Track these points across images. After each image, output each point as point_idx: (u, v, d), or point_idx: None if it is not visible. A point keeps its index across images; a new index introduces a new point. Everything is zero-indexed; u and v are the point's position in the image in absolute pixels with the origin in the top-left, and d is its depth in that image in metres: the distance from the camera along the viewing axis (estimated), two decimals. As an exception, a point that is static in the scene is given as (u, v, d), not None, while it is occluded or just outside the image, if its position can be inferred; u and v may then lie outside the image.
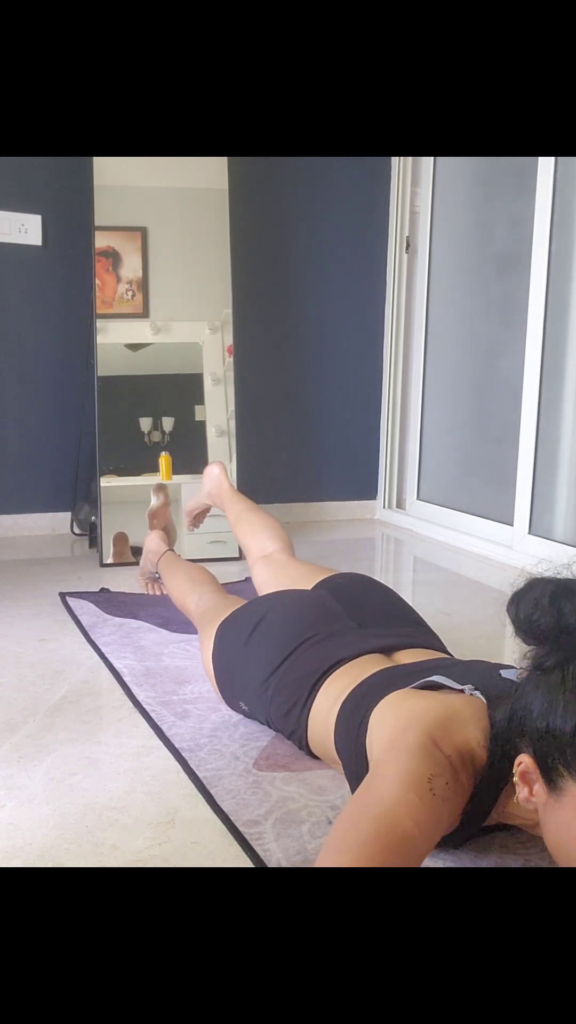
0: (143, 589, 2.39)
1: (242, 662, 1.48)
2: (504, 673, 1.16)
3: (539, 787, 0.91)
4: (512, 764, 0.96)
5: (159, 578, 2.25)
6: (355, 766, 1.14)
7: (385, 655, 1.34)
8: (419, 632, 1.49)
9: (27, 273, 3.06)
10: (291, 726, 1.35)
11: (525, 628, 0.91)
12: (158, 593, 2.34)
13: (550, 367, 2.77)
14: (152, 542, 2.30)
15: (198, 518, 2.42)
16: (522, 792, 0.93)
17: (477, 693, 1.07)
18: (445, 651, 1.44)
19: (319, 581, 1.66)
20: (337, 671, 1.29)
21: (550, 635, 0.90)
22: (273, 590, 1.70)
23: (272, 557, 1.89)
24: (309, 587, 1.64)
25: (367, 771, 1.10)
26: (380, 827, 0.86)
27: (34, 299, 3.08)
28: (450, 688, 1.10)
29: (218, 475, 2.24)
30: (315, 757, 1.37)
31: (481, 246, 3.14)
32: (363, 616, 1.48)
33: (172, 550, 2.26)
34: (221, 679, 1.54)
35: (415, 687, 1.11)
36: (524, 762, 0.92)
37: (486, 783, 1.00)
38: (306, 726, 1.32)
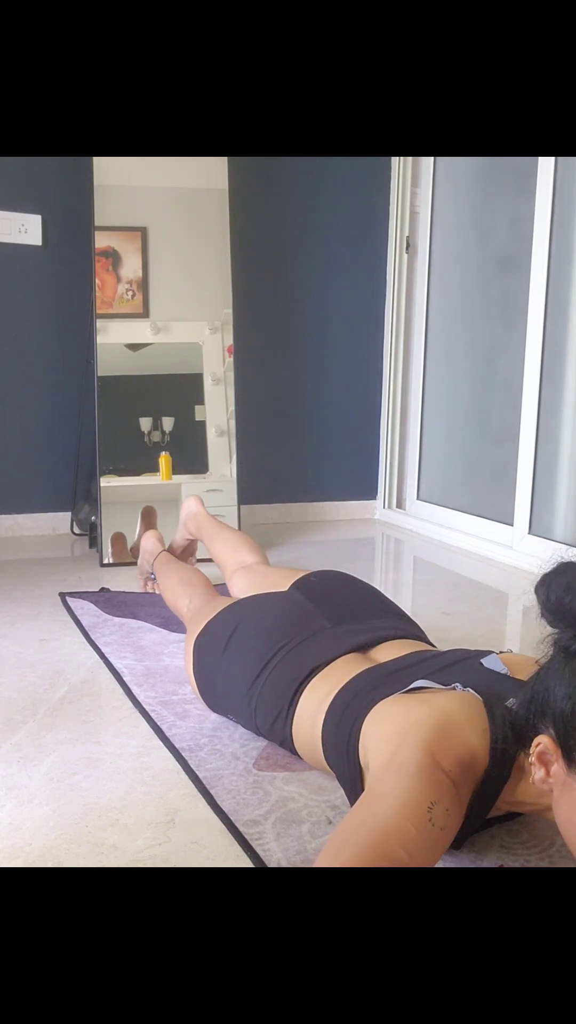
0: (143, 589, 2.39)
1: (223, 675, 1.46)
2: (485, 662, 1.16)
3: (558, 768, 0.91)
4: (521, 751, 0.96)
5: (155, 578, 2.26)
6: (350, 774, 1.13)
7: (362, 653, 1.33)
8: (394, 623, 1.47)
9: (27, 273, 3.06)
10: (279, 736, 1.35)
11: (556, 610, 0.91)
12: (158, 592, 2.34)
13: (550, 367, 2.77)
14: (148, 542, 2.32)
15: (185, 553, 2.39)
16: (538, 773, 0.93)
17: (469, 690, 1.07)
18: (422, 638, 1.44)
19: (293, 582, 1.65)
20: (316, 677, 1.28)
21: None
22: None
23: (252, 568, 1.90)
24: (286, 588, 1.64)
25: (363, 779, 1.09)
26: (373, 854, 0.86)
27: (34, 299, 3.08)
28: (437, 688, 1.10)
29: (196, 507, 2.27)
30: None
31: (481, 246, 3.14)
32: (336, 613, 1.47)
33: (167, 551, 2.26)
34: (206, 693, 1.53)
35: (404, 692, 1.10)
36: (543, 743, 0.92)
37: (489, 782, 1.00)
38: (292, 736, 1.31)
